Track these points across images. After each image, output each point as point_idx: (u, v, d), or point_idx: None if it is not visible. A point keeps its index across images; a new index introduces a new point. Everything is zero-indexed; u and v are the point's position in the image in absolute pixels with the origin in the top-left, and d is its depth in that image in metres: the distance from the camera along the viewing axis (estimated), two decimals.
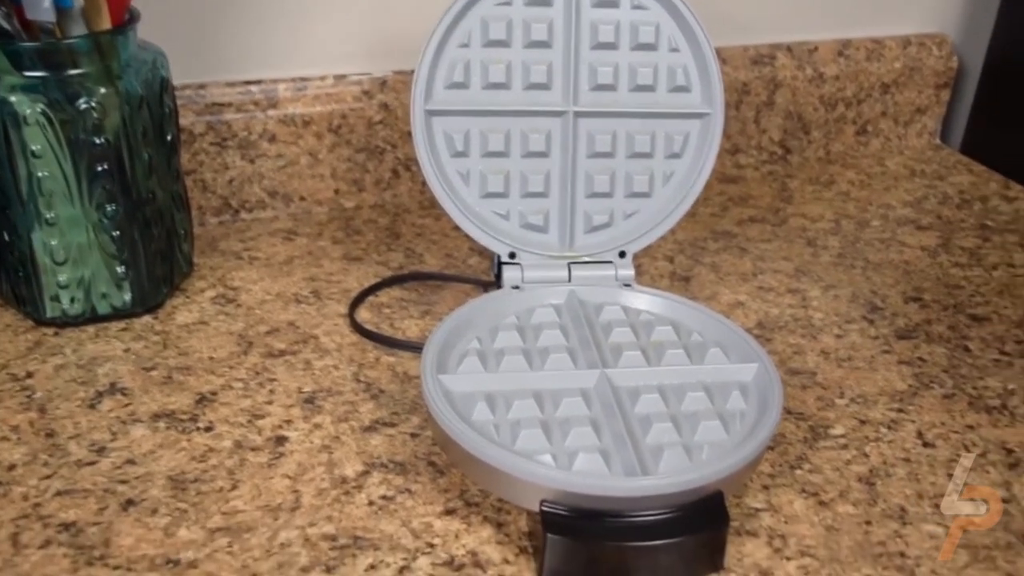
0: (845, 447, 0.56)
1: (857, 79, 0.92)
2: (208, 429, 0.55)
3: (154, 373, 0.60)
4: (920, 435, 0.58)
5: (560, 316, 0.58)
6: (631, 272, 0.62)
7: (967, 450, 0.56)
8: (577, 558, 0.46)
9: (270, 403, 0.57)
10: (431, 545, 0.48)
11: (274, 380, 0.59)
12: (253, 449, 0.54)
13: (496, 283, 0.62)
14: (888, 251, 0.78)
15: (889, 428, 0.58)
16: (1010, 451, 0.56)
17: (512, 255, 0.61)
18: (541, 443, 0.48)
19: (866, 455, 0.56)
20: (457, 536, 0.49)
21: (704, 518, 0.46)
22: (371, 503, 0.51)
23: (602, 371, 0.53)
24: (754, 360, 0.55)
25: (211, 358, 0.61)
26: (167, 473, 0.52)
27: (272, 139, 0.76)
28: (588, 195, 0.61)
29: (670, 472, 0.47)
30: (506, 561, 0.48)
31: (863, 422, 0.58)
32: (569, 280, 0.61)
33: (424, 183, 0.81)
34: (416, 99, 0.58)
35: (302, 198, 0.79)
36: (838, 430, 0.58)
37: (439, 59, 0.58)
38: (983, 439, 0.57)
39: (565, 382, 0.53)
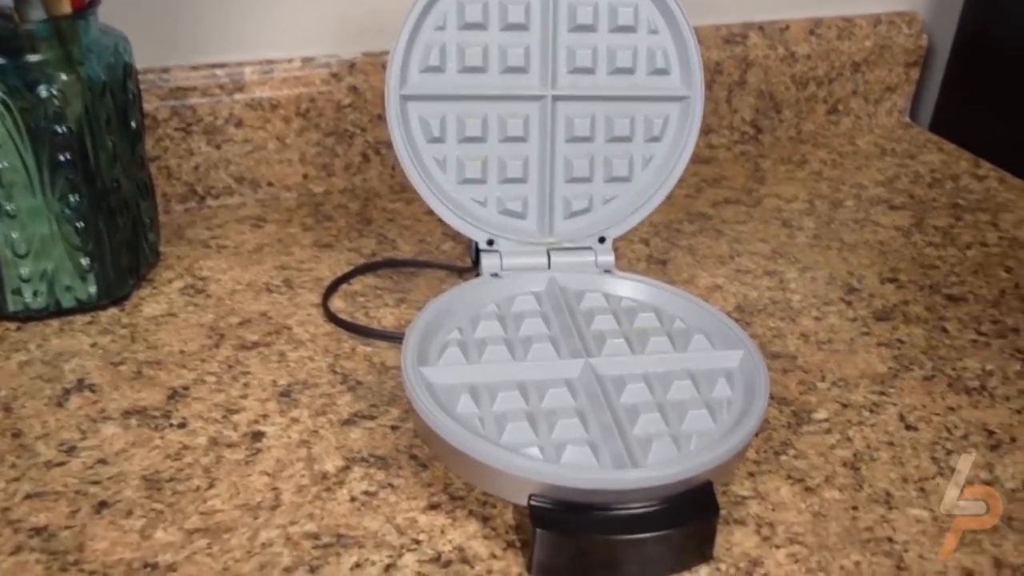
0: (829, 431, 0.56)
1: (828, 58, 0.92)
2: (182, 426, 0.54)
3: (123, 368, 0.58)
4: (902, 418, 0.57)
5: (541, 304, 0.57)
6: (611, 258, 0.61)
7: (949, 432, 0.56)
8: (567, 552, 0.45)
9: (245, 397, 0.56)
10: (416, 541, 0.47)
11: (248, 373, 0.58)
12: (229, 446, 0.52)
13: (474, 270, 0.61)
14: (863, 231, 0.78)
15: (871, 411, 0.58)
16: (991, 432, 0.56)
17: (490, 242, 0.60)
18: (528, 436, 0.47)
19: (850, 439, 0.56)
20: (443, 531, 0.48)
21: (694, 509, 0.46)
22: (353, 499, 0.49)
23: (586, 360, 0.52)
24: (739, 347, 0.54)
25: (182, 351, 0.59)
26: (141, 472, 0.50)
27: (239, 124, 0.74)
28: (567, 180, 0.60)
29: (659, 464, 0.46)
30: (494, 556, 0.47)
31: (845, 406, 0.58)
32: (549, 267, 0.60)
33: (395, 167, 0.80)
34: (391, 84, 0.57)
35: (270, 184, 0.77)
36: (821, 414, 0.57)
37: (414, 42, 0.57)
38: (964, 421, 0.57)
39: (549, 372, 0.52)
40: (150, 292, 0.65)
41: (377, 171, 0.80)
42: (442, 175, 0.59)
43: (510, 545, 0.47)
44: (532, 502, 0.45)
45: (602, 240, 0.61)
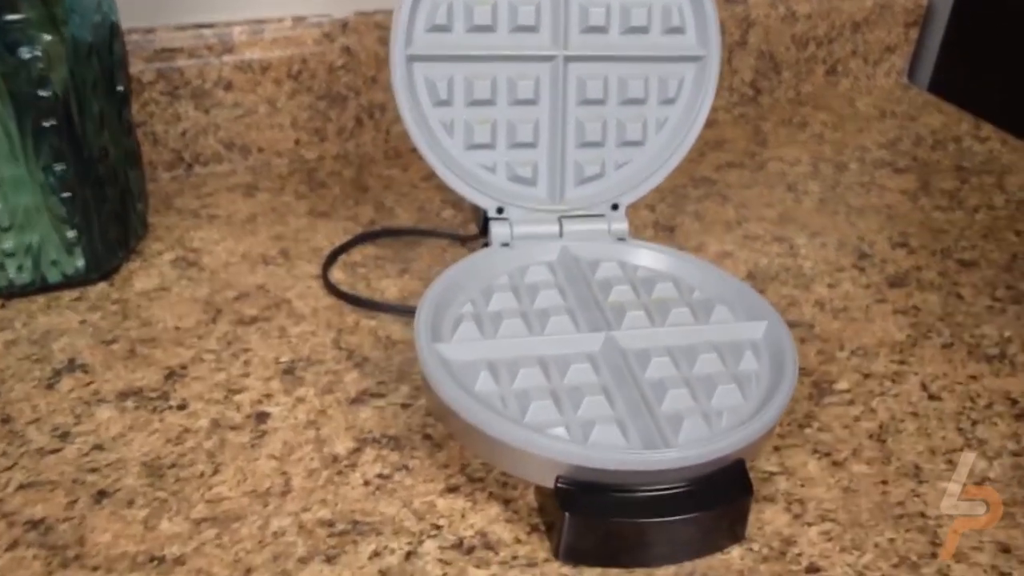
0: (851, 403, 0.55)
1: (828, 17, 0.89)
2: (181, 407, 0.51)
3: (115, 347, 0.55)
4: (924, 387, 0.56)
5: (555, 274, 0.55)
6: (625, 225, 0.58)
7: (973, 402, 0.55)
8: (596, 536, 0.43)
9: (246, 376, 0.53)
10: (436, 527, 0.45)
11: (248, 350, 0.55)
12: (233, 428, 0.50)
13: (480, 239, 0.58)
14: (869, 195, 0.76)
15: (893, 381, 0.56)
16: (1015, 401, 0.55)
17: (500, 210, 0.57)
18: (552, 415, 0.45)
19: (873, 410, 0.54)
20: (463, 516, 0.46)
21: (727, 489, 0.44)
22: (367, 483, 0.47)
23: (607, 334, 0.50)
24: (762, 317, 0.52)
25: (177, 328, 0.56)
26: (141, 459, 0.48)
27: (228, 87, 0.70)
28: (579, 145, 0.58)
29: (691, 442, 0.44)
30: (518, 541, 0.45)
31: (866, 376, 0.57)
32: (561, 235, 0.57)
33: (389, 131, 0.77)
34: (396, 44, 0.53)
35: (260, 149, 0.73)
36: (842, 385, 0.56)
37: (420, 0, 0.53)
38: (987, 390, 0.56)
39: (569, 347, 0.49)
40: (140, 265, 0.62)
41: (371, 136, 0.76)
42: (449, 140, 0.56)
43: (534, 528, 0.45)
44: (560, 484, 0.43)
45: (615, 207, 0.59)
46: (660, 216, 0.71)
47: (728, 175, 0.78)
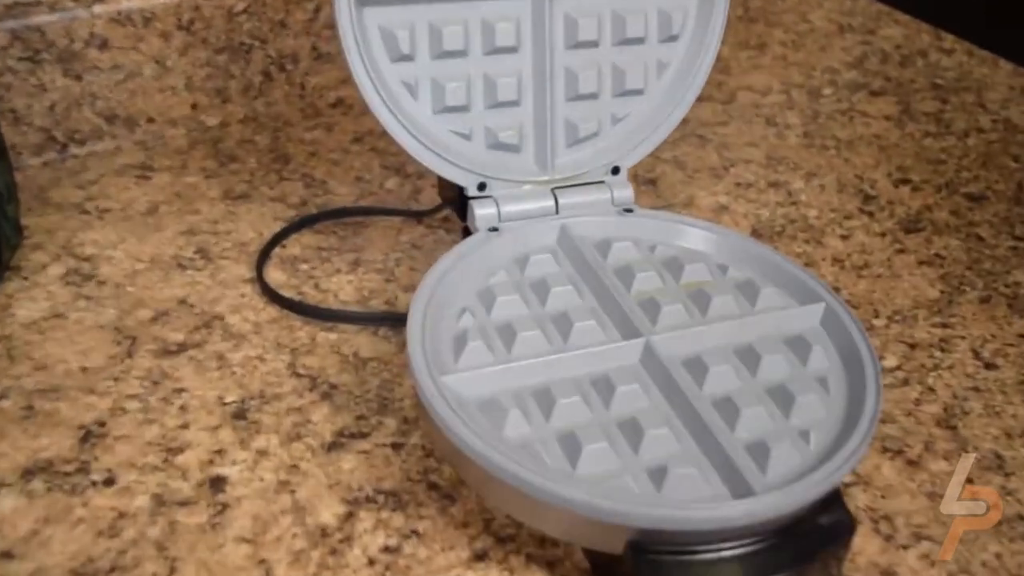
0: (906, 383, 0.47)
1: None
2: (109, 482, 0.39)
3: (6, 404, 0.42)
4: (977, 355, 0.49)
5: (560, 263, 0.45)
6: (630, 192, 0.49)
7: None
8: None
9: (186, 427, 0.42)
10: None
11: (182, 390, 0.43)
12: (183, 504, 0.38)
13: (439, 212, 0.48)
14: (853, 125, 0.68)
15: (942, 350, 0.49)
16: None
17: (482, 186, 0.46)
18: (611, 461, 0.35)
19: (932, 389, 0.47)
20: None
21: (829, 527, 0.36)
22: (372, 562, 0.37)
23: (646, 339, 0.40)
24: (815, 298, 0.43)
25: (83, 369, 0.44)
26: (67, 565, 0.36)
27: (103, 45, 0.56)
28: (570, 98, 0.47)
29: (787, 479, 0.35)
30: None
31: (912, 346, 0.49)
32: (557, 211, 0.47)
33: (304, 85, 0.64)
34: None
35: (150, 120, 0.60)
36: (891, 361, 0.48)
37: None
38: None
39: (604, 361, 0.40)
40: (21, 286, 0.48)
41: (283, 92, 0.64)
42: (414, 103, 0.45)
43: None
44: (632, 551, 0.34)
45: (616, 171, 0.49)
46: (638, 167, 0.61)
47: (699, 111, 0.68)
